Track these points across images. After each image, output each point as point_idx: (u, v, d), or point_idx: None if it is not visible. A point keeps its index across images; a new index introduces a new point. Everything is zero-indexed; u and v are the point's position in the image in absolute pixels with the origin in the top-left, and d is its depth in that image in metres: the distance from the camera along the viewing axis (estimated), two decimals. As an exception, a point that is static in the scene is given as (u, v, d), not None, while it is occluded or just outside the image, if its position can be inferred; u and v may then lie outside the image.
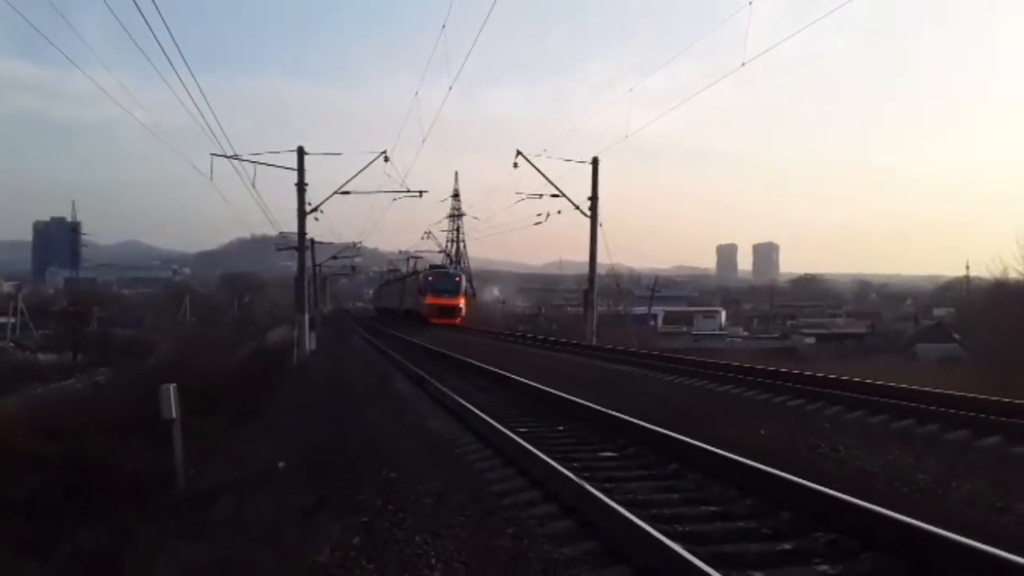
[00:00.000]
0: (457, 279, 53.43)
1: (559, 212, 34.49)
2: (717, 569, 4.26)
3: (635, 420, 9.25)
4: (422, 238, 72.73)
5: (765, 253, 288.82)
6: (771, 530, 5.51)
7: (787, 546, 5.16)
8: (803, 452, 8.44)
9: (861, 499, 5.45)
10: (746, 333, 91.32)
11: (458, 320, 49.66)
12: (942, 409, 10.24)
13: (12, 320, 77.10)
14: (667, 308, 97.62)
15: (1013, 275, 39.88)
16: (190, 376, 19.81)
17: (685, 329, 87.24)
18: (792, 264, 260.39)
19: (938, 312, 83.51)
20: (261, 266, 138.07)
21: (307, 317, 33.81)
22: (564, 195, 33.74)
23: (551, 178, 33.70)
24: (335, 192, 33.91)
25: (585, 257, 34.55)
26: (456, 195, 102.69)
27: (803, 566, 4.81)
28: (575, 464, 7.54)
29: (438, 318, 48.08)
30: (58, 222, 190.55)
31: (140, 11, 15.63)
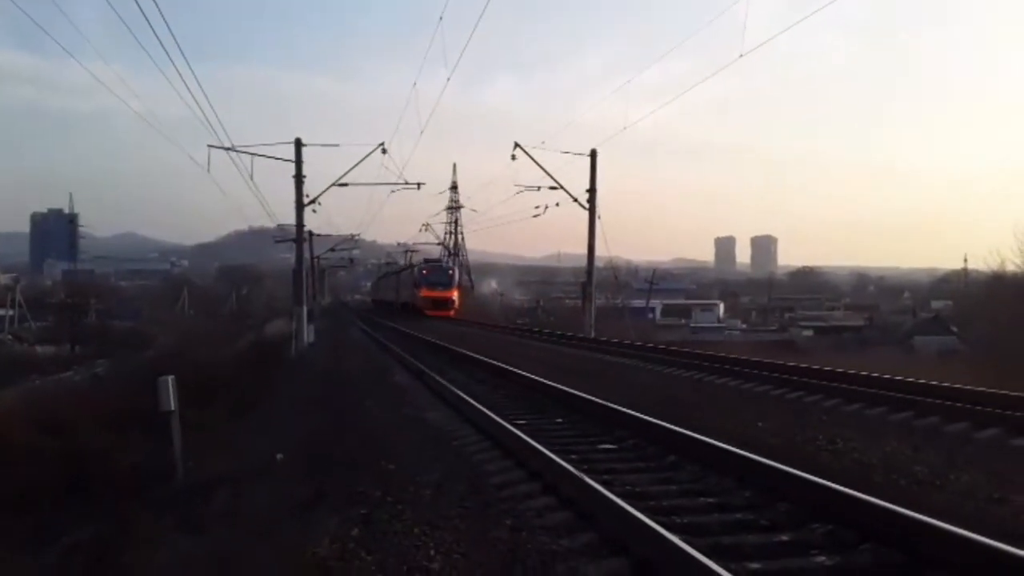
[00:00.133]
0: (450, 272, 55.19)
1: (557, 204, 34.46)
2: (715, 561, 4.26)
3: (633, 412, 9.26)
4: (420, 230, 72.98)
5: (763, 246, 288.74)
6: (769, 522, 5.52)
7: (785, 537, 5.17)
8: (801, 444, 8.46)
9: (859, 491, 5.46)
10: (744, 326, 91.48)
11: (452, 312, 50.72)
12: (940, 401, 10.27)
13: (10, 312, 77.08)
14: (665, 301, 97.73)
15: (1011, 268, 40.03)
16: (188, 368, 19.80)
17: (683, 322, 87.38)
18: (790, 257, 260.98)
19: (936, 305, 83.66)
20: (259, 258, 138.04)
21: (305, 309, 33.79)
22: (562, 187, 33.71)
23: (549, 170, 33.65)
24: (333, 184, 33.84)
25: (583, 250, 34.51)
26: (454, 187, 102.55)
27: (800, 557, 4.82)
28: (574, 456, 7.55)
29: (432, 310, 49.20)
30: (55, 214, 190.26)
31: (137, 2, 15.57)
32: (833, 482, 5.79)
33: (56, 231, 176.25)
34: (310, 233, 47.15)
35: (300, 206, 32.96)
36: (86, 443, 14.21)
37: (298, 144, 32.30)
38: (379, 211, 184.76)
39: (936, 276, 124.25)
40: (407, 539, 5.45)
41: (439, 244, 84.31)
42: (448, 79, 27.93)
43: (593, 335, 30.26)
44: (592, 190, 33.24)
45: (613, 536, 5.17)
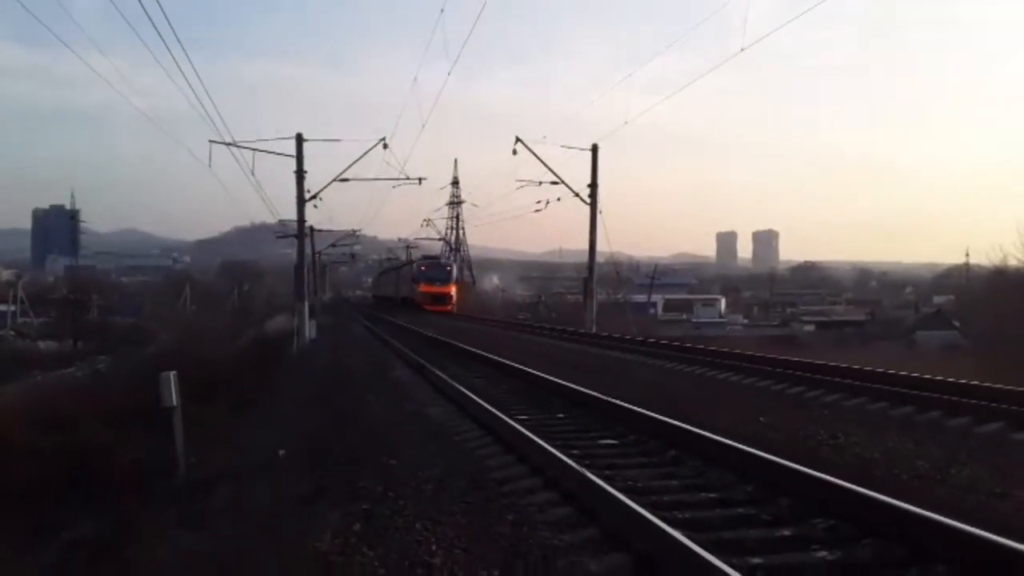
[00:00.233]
0: (448, 268, 56.68)
1: (559, 199, 34.47)
2: (716, 555, 4.26)
3: (635, 407, 9.25)
4: (422, 225, 73.30)
5: (765, 241, 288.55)
6: (770, 516, 5.51)
7: (786, 532, 5.16)
8: (802, 439, 8.45)
9: (860, 486, 5.46)
10: (746, 321, 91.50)
11: (449, 307, 51.82)
12: (942, 396, 10.25)
13: (12, 308, 77.13)
14: (667, 296, 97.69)
15: (1013, 262, 39.96)
16: (190, 364, 19.80)
17: (685, 317, 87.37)
18: (792, 252, 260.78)
19: (938, 300, 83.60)
20: (260, 254, 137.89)
21: (307, 305, 33.80)
22: (563, 182, 33.72)
23: (550, 165, 33.65)
24: (334, 179, 33.87)
25: (585, 245, 34.51)
26: (455, 182, 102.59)
27: (802, 552, 4.82)
28: (575, 451, 7.54)
29: (431, 305, 50.32)
30: (57, 210, 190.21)
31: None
32: (835, 477, 5.78)
33: (57, 227, 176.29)
34: (311, 229, 47.15)
35: (301, 201, 32.96)
36: (87, 439, 14.21)
37: (299, 139, 32.30)
38: (380, 206, 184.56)
39: (938, 271, 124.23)
40: (409, 534, 5.45)
41: (440, 239, 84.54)
42: (449, 73, 27.92)
43: (594, 330, 30.26)
44: (593, 185, 33.23)
45: (615, 531, 5.17)
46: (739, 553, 4.72)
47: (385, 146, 31.93)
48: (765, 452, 6.65)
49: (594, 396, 10.48)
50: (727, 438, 7.34)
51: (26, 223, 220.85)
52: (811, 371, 13.53)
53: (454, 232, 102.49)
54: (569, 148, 33.47)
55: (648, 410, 9.02)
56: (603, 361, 17.88)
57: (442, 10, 24.47)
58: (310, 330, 33.64)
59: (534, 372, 13.58)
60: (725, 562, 4.17)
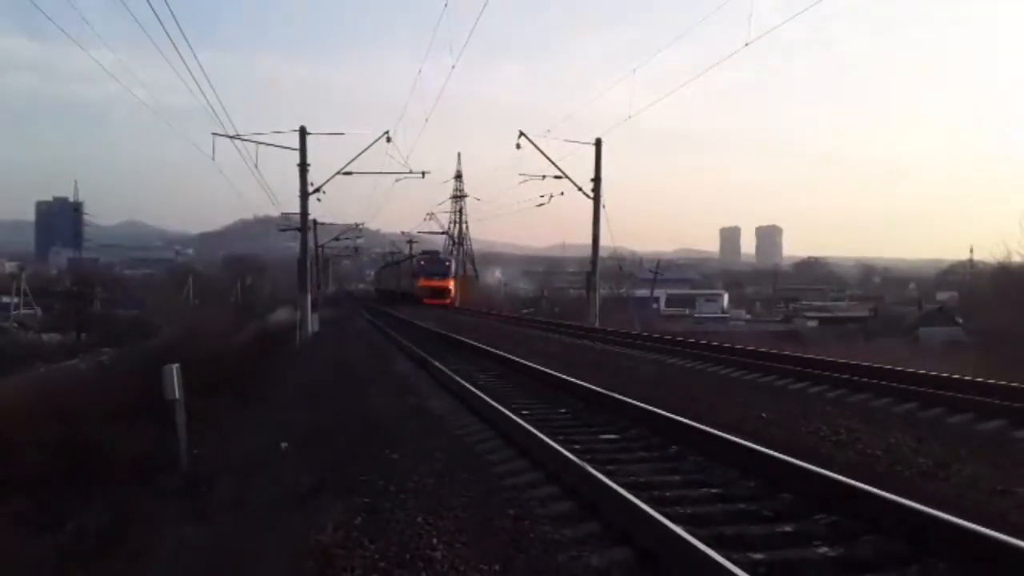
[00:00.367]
0: (447, 263, 57.89)
1: (562, 194, 34.46)
2: (718, 551, 4.26)
3: (637, 402, 9.25)
4: (425, 219, 73.37)
5: (768, 236, 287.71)
6: (772, 512, 5.51)
7: (788, 528, 5.16)
8: (805, 435, 8.45)
9: (862, 482, 5.46)
10: (749, 316, 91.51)
11: (448, 300, 52.80)
12: (945, 393, 10.25)
13: (15, 300, 77.27)
14: (670, 291, 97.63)
15: (1016, 259, 39.87)
16: (193, 357, 19.84)
17: (688, 312, 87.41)
18: (795, 247, 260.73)
19: (941, 296, 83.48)
20: (263, 247, 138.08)
21: (309, 298, 33.82)
22: (567, 176, 33.68)
23: (554, 159, 33.62)
24: (337, 173, 33.86)
25: (588, 240, 34.47)
26: (459, 176, 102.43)
27: (803, 548, 4.82)
28: (577, 446, 7.55)
29: (430, 298, 51.30)
30: (61, 202, 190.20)
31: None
32: (836, 473, 5.78)
33: (61, 219, 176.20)
34: (314, 222, 47.16)
35: (304, 195, 32.98)
36: (91, 432, 14.26)
37: (302, 132, 32.28)
38: (384, 200, 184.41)
39: (942, 267, 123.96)
40: (410, 528, 5.46)
41: (443, 233, 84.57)
42: (453, 67, 27.84)
43: (597, 325, 30.26)
44: (597, 179, 33.20)
45: (616, 526, 5.18)
46: (740, 548, 4.72)
47: (388, 140, 31.97)
48: (767, 447, 6.65)
49: (595, 390, 10.48)
50: (729, 433, 7.34)
51: (30, 215, 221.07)
52: (813, 366, 13.52)
53: (457, 226, 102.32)
54: (573, 142, 33.44)
55: (650, 405, 9.02)
56: (605, 356, 17.87)
57: (446, 4, 24.44)
58: (313, 323, 33.68)
59: (536, 366, 13.58)
60: (726, 557, 4.17)
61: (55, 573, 9.04)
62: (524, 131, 32.17)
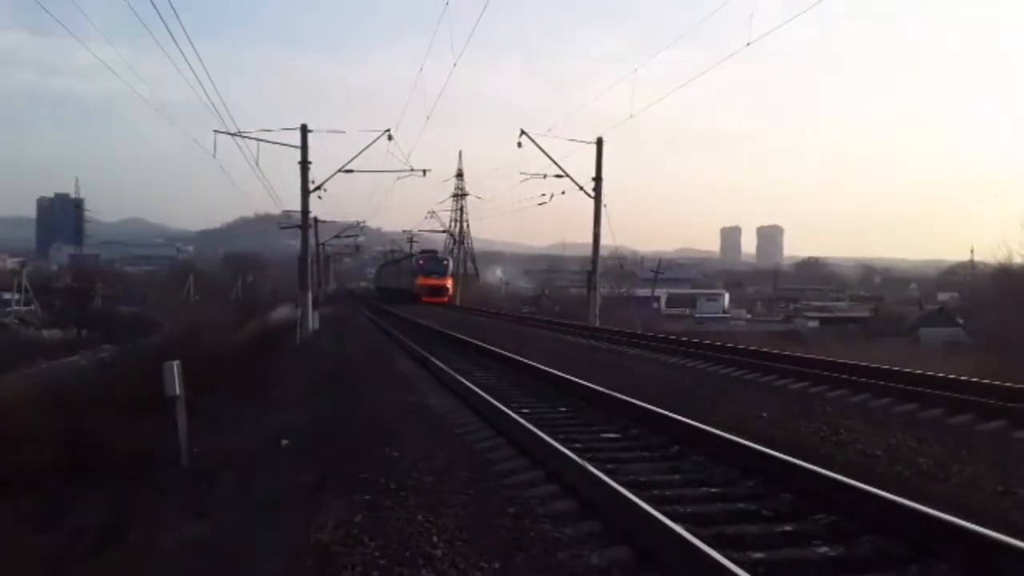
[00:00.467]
0: (445, 262, 59.42)
1: (563, 193, 34.43)
2: (717, 550, 4.26)
3: (637, 401, 9.25)
4: (426, 218, 73.59)
5: (769, 236, 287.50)
6: (772, 512, 5.52)
7: (787, 528, 5.17)
8: (805, 435, 8.45)
9: (862, 482, 5.46)
10: (749, 316, 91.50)
11: (446, 299, 54.23)
12: (945, 393, 10.25)
13: (16, 296, 77.33)
14: (670, 290, 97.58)
15: (1017, 260, 39.87)
16: (194, 354, 19.85)
17: (688, 312, 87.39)
18: (796, 247, 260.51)
19: (942, 297, 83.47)
20: (264, 245, 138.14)
21: (310, 296, 33.82)
22: (568, 175, 33.65)
23: (555, 158, 33.59)
24: (339, 170, 33.85)
25: (589, 239, 34.46)
26: (460, 175, 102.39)
27: (803, 548, 4.82)
28: (577, 445, 7.55)
29: (429, 297, 52.84)
30: (62, 199, 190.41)
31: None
32: (836, 473, 5.78)
33: (62, 216, 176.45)
34: (315, 220, 47.20)
35: (306, 192, 32.98)
36: (92, 428, 14.27)
37: (304, 130, 32.28)
38: (385, 198, 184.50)
39: (943, 268, 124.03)
40: (410, 526, 5.47)
41: (444, 231, 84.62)
42: (455, 64, 27.82)
43: (598, 324, 30.26)
44: (598, 178, 33.17)
45: (616, 525, 5.18)
46: (740, 548, 4.73)
47: (390, 138, 31.93)
48: (767, 447, 6.65)
49: (596, 389, 10.49)
50: (729, 433, 7.35)
51: (31, 212, 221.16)
52: (813, 366, 13.52)
53: (458, 224, 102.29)
54: (574, 141, 33.41)
55: (650, 404, 9.03)
56: (605, 355, 17.88)
57: (447, 2, 24.42)
58: (313, 321, 33.67)
59: (536, 365, 13.59)
60: (726, 556, 4.17)
61: (55, 570, 9.05)
62: (525, 130, 32.18)
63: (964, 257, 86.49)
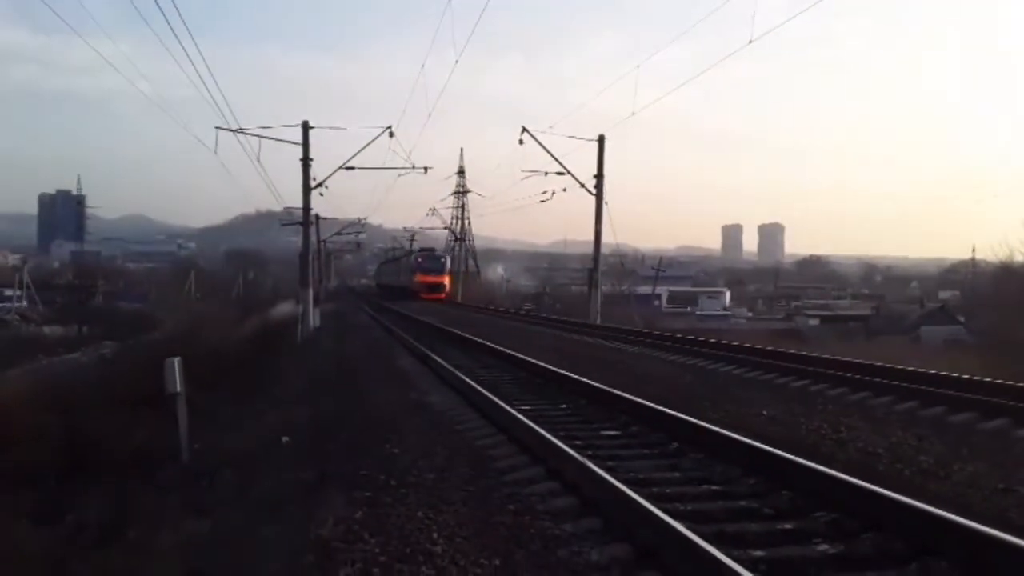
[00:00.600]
0: (442, 260, 61.37)
1: (564, 190, 34.38)
2: (718, 548, 4.26)
3: (637, 399, 9.25)
4: (427, 215, 73.78)
5: (771, 234, 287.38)
6: (772, 510, 5.52)
7: (788, 526, 5.17)
8: (805, 433, 8.45)
9: (863, 480, 5.45)
10: (750, 314, 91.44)
11: (443, 295, 56.45)
12: (946, 391, 10.24)
13: (17, 292, 77.34)
14: (671, 288, 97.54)
15: (1018, 258, 39.82)
16: (195, 351, 19.83)
17: (689, 309, 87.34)
18: (798, 245, 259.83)
19: (943, 295, 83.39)
20: (266, 241, 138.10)
21: (311, 293, 33.83)
22: (570, 173, 33.60)
23: (556, 155, 33.54)
24: (340, 167, 33.85)
25: (590, 236, 34.45)
26: (461, 172, 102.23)
27: (803, 545, 4.82)
28: (577, 442, 7.55)
29: (427, 293, 54.93)
30: (63, 195, 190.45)
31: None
32: (837, 471, 5.78)
33: (64, 212, 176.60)
34: (317, 217, 47.18)
35: (307, 189, 32.99)
36: (93, 424, 14.27)
37: (305, 127, 32.27)
38: (386, 195, 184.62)
39: (944, 266, 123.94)
40: (410, 522, 5.47)
41: (446, 229, 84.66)
42: (457, 61, 27.80)
43: (599, 322, 30.25)
44: (600, 176, 33.13)
45: (617, 522, 5.18)
46: (741, 545, 4.73)
47: (391, 135, 31.93)
48: (768, 445, 6.65)
49: (596, 387, 10.49)
50: (730, 431, 7.34)
51: (32, 208, 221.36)
52: (814, 364, 13.51)
53: (459, 222, 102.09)
54: (575, 139, 33.37)
55: (651, 402, 9.03)
56: (606, 352, 17.87)
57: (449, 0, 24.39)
58: (314, 318, 33.68)
59: (537, 362, 13.59)
60: (726, 554, 4.17)
61: (55, 566, 9.05)
62: (527, 127, 32.15)
63: (965, 255, 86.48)
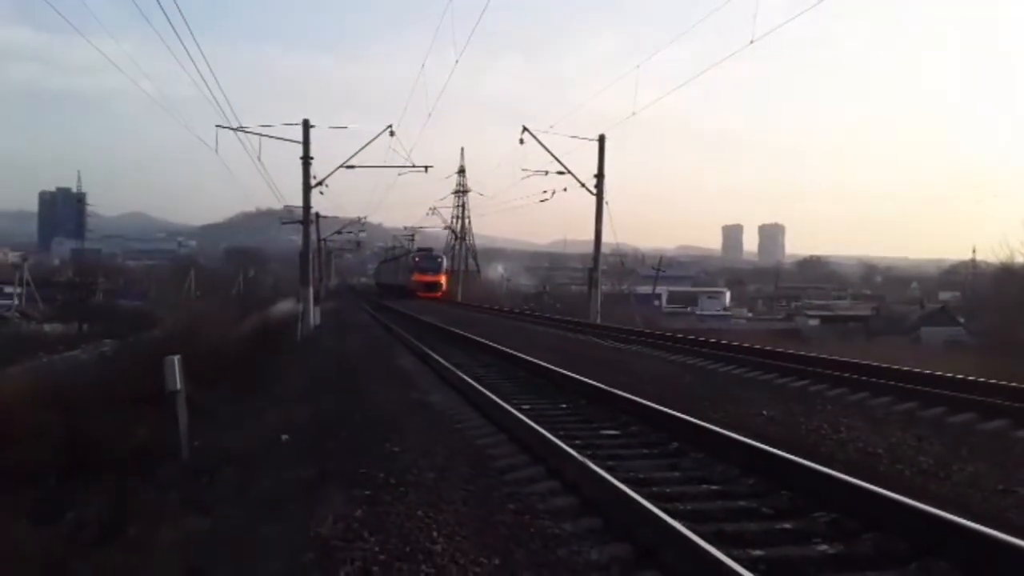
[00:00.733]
0: (439, 259, 63.81)
1: (565, 190, 34.37)
2: (717, 547, 4.27)
3: (637, 399, 9.26)
4: (427, 214, 74.30)
5: (771, 234, 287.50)
6: (772, 510, 5.52)
7: (787, 525, 5.17)
8: (805, 433, 8.45)
9: (862, 480, 5.46)
10: (750, 314, 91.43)
11: (439, 294, 58.53)
12: (946, 392, 10.24)
13: (17, 290, 77.32)
14: (672, 288, 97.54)
15: (1019, 259, 39.81)
16: (194, 349, 19.83)
17: (689, 309, 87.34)
18: (798, 246, 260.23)
19: (944, 296, 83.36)
20: (266, 240, 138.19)
21: (311, 291, 33.82)
22: (570, 172, 33.58)
23: (557, 155, 33.53)
24: (340, 166, 33.85)
25: (590, 236, 34.43)
26: (462, 171, 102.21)
27: (803, 545, 4.83)
28: (577, 441, 7.55)
29: (424, 292, 57.12)
30: (64, 193, 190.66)
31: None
32: (837, 471, 5.78)
33: (64, 210, 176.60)
34: (317, 215, 47.18)
35: (307, 188, 32.96)
36: (93, 422, 14.27)
37: (306, 125, 32.26)
38: (386, 194, 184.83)
39: (944, 267, 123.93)
40: (410, 521, 5.47)
41: (446, 228, 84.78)
42: (457, 61, 27.79)
43: (599, 321, 30.25)
44: (600, 175, 33.10)
45: (616, 521, 5.18)
46: (740, 545, 4.73)
47: (392, 134, 31.93)
48: (767, 445, 6.65)
49: (596, 386, 10.49)
50: (730, 431, 7.34)
51: (33, 206, 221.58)
52: (814, 365, 13.51)
53: (459, 221, 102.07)
54: (576, 138, 33.36)
55: (650, 401, 9.03)
56: (606, 352, 17.87)
57: (450, -1, 24.38)
58: (314, 316, 33.67)
59: (537, 361, 13.59)
60: (726, 554, 4.18)
61: (55, 565, 9.05)
62: (527, 126, 32.15)
63: (966, 256, 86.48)
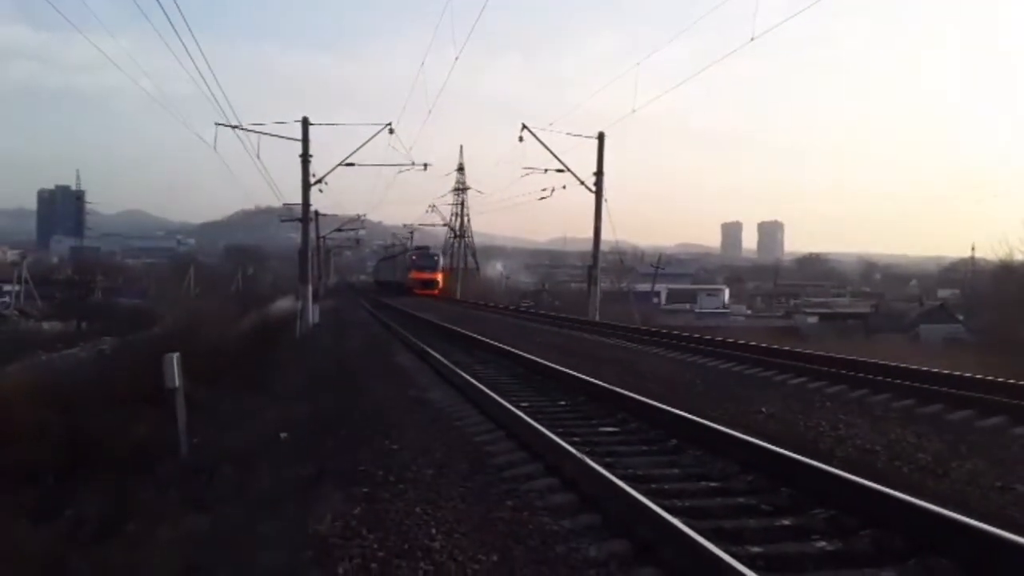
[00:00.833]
0: (436, 258, 65.39)
1: (564, 187, 34.39)
2: (716, 544, 4.27)
3: (636, 395, 9.26)
4: (427, 212, 74.57)
5: (770, 232, 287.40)
6: (771, 506, 5.52)
7: (786, 522, 5.17)
8: (804, 430, 8.45)
9: (861, 477, 5.46)
10: (749, 311, 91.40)
11: (436, 291, 60.07)
12: (944, 389, 10.24)
13: (16, 288, 77.28)
14: (670, 286, 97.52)
15: (1018, 257, 39.86)
16: (193, 347, 19.81)
17: (688, 307, 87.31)
18: (797, 243, 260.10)
19: (943, 293, 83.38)
20: (265, 237, 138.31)
21: (310, 289, 33.82)
22: (569, 170, 33.59)
23: (556, 153, 33.53)
24: (339, 164, 33.83)
25: (589, 234, 34.45)
26: (461, 169, 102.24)
27: (801, 542, 4.83)
28: (576, 438, 7.55)
29: (421, 289, 58.56)
30: (63, 191, 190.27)
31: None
32: (836, 468, 5.78)
33: (63, 208, 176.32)
34: (316, 213, 47.17)
35: (306, 185, 32.95)
36: (91, 420, 14.27)
37: (305, 123, 32.23)
38: (386, 192, 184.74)
39: (944, 265, 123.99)
40: (409, 518, 5.47)
41: (445, 225, 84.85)
42: (456, 58, 27.77)
43: (598, 319, 30.25)
44: (599, 173, 33.12)
45: (615, 518, 5.18)
46: (739, 542, 4.73)
47: (391, 131, 31.92)
48: (766, 442, 6.65)
49: (595, 383, 10.49)
50: (728, 428, 7.35)
51: (31, 204, 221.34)
52: (813, 362, 13.52)
53: (459, 219, 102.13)
54: (575, 136, 33.36)
55: (649, 398, 9.03)
56: (605, 349, 17.87)
57: (449, -3, 24.35)
58: (313, 314, 33.66)
59: (535, 359, 13.59)
60: (724, 550, 4.18)
61: (54, 562, 9.05)
62: (527, 124, 32.14)
63: (965, 254, 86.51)
